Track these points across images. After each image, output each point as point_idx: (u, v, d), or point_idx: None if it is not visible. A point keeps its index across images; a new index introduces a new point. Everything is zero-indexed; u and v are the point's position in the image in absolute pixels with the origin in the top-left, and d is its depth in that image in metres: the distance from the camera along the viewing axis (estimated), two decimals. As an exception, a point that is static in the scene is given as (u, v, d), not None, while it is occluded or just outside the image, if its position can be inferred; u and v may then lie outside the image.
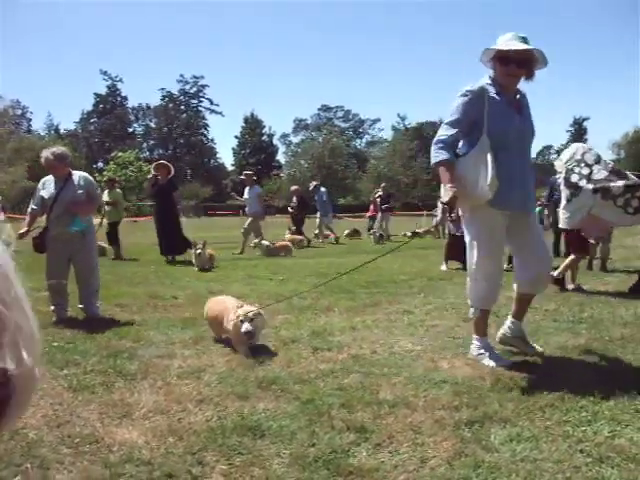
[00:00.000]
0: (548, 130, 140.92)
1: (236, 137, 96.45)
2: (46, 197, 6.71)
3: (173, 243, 13.27)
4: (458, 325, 6.11)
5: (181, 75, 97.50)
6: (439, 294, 8.15)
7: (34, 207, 6.82)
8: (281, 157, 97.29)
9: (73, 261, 6.77)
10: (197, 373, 4.50)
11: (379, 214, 21.84)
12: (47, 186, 6.80)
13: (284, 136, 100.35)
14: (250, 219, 16.36)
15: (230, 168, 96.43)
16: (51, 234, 6.62)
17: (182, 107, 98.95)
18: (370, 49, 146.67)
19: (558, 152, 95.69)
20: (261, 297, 7.92)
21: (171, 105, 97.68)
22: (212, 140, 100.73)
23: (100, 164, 73.50)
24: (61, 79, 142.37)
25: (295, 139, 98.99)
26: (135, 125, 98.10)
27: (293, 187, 22.00)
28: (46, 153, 6.69)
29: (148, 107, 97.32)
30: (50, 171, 6.79)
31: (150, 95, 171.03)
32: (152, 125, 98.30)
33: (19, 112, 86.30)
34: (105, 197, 14.89)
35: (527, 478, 2.81)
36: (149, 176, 14.28)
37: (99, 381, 4.36)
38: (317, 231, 20.56)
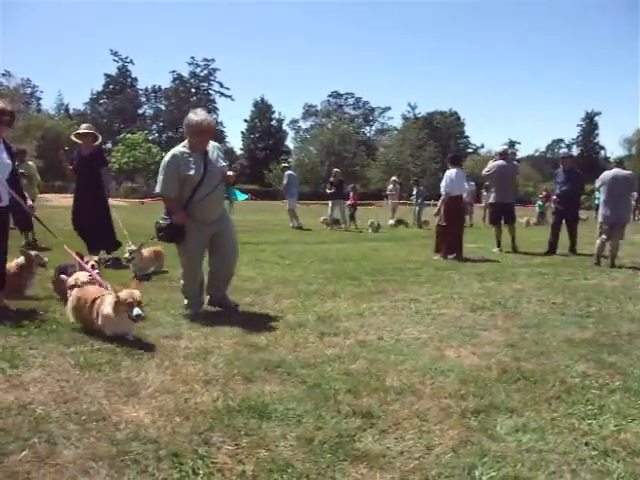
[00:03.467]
0: (558, 124, 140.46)
1: (245, 121, 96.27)
2: (195, 174, 5.78)
3: (102, 237, 9.53)
4: (465, 315, 6.11)
5: (192, 57, 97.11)
6: (446, 283, 8.15)
7: (171, 188, 5.87)
8: (290, 142, 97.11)
9: (217, 243, 6.04)
10: (204, 354, 4.50)
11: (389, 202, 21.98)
12: (184, 164, 5.79)
13: (293, 121, 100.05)
14: None
15: (239, 152, 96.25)
16: (196, 216, 5.86)
17: (192, 90, 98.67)
18: (383, 37, 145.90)
19: (568, 146, 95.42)
20: (268, 281, 7.95)
21: (181, 87, 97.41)
22: (221, 123, 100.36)
23: (109, 145, 73.28)
24: (71, 59, 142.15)
25: (304, 125, 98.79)
26: (145, 107, 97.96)
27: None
28: (206, 117, 5.87)
29: (159, 89, 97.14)
30: (201, 139, 5.82)
31: (161, 77, 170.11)
32: (162, 107, 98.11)
33: (29, 91, 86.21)
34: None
35: (532, 469, 2.81)
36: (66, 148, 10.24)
37: (106, 359, 4.37)
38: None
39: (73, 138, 9.72)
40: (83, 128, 9.82)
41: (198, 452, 2.90)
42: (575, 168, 12.88)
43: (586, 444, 3.10)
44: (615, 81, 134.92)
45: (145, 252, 8.31)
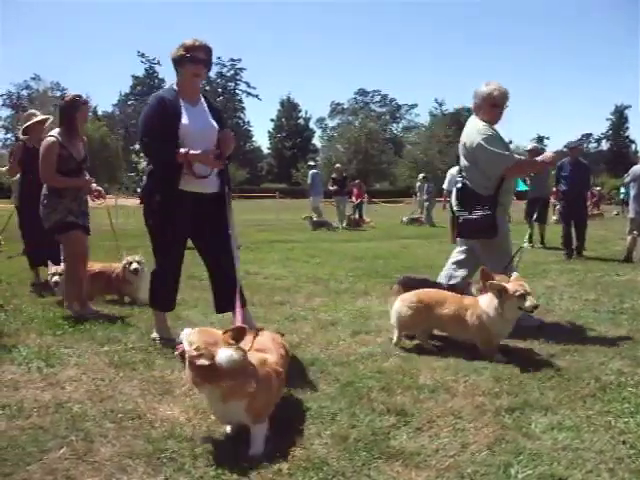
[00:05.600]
0: (588, 118, 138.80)
1: (272, 120, 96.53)
2: None
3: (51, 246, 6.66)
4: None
5: (218, 58, 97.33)
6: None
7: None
8: (317, 141, 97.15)
9: None
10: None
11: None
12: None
13: (320, 120, 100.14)
14: None
15: (266, 151, 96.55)
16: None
17: (219, 90, 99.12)
18: (409, 34, 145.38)
19: (598, 140, 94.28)
20: (299, 279, 7.97)
21: (208, 88, 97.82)
22: (248, 123, 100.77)
23: (137, 146, 74.00)
24: (99, 62, 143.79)
25: (331, 123, 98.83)
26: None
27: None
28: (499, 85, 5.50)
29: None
30: (499, 111, 5.51)
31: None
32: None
33: (58, 94, 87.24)
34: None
35: (569, 467, 2.78)
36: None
37: (139, 358, 4.41)
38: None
39: (21, 136, 7.87)
40: (38, 116, 7.90)
41: (233, 451, 2.92)
42: (580, 159, 12.18)
43: (623, 442, 3.06)
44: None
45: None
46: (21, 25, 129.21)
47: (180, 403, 3.54)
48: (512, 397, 3.62)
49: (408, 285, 5.18)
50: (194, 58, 4.59)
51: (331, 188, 20.35)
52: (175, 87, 4.73)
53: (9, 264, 9.66)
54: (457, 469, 2.76)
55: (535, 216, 12.81)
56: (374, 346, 4.75)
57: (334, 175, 20.74)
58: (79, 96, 6.02)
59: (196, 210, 4.70)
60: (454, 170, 12.67)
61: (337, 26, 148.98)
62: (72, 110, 5.94)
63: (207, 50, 4.68)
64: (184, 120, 4.60)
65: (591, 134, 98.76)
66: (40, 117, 7.84)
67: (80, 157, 6.05)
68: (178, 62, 4.65)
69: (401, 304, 4.78)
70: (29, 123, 7.69)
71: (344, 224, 20.04)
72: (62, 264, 6.29)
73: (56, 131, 5.94)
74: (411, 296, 4.79)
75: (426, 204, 22.13)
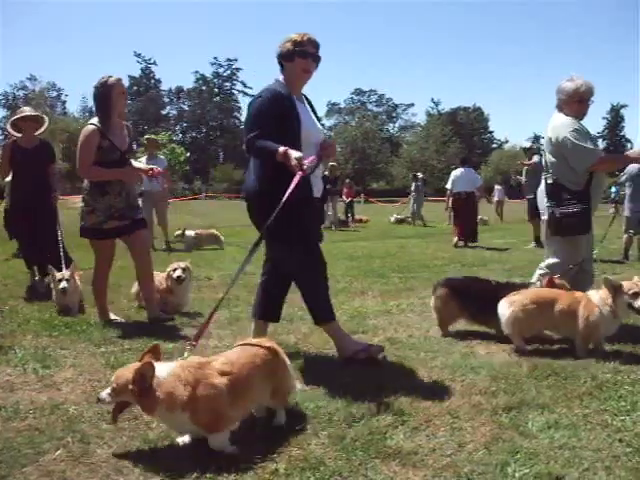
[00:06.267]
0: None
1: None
2: None
3: (49, 250, 6.95)
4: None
5: (215, 58, 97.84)
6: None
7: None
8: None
9: None
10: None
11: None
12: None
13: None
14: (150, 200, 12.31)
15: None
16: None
17: (215, 90, 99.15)
18: (405, 34, 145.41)
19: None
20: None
21: (205, 88, 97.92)
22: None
23: (134, 146, 73.98)
24: (96, 62, 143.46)
25: (328, 123, 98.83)
26: (168, 107, 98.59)
27: None
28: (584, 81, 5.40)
29: (182, 90, 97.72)
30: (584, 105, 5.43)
31: (184, 78, 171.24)
32: (185, 108, 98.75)
33: (54, 94, 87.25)
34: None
35: (566, 466, 2.78)
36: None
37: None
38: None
39: (10, 129, 7.40)
40: (27, 111, 7.51)
41: (230, 451, 2.91)
42: None
43: (620, 441, 3.05)
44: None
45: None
46: (17, 25, 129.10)
47: (177, 404, 3.52)
48: (509, 396, 3.62)
49: (454, 287, 5.22)
50: (304, 52, 4.36)
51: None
52: (282, 82, 4.45)
53: (5, 265, 9.64)
54: (454, 468, 2.75)
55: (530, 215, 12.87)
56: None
57: (327, 173, 19.77)
58: (110, 76, 5.49)
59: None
60: (458, 172, 13.31)
61: (333, 26, 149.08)
62: (106, 93, 5.45)
63: (316, 45, 4.45)
64: (302, 120, 4.33)
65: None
66: (32, 113, 7.42)
67: (124, 146, 5.65)
68: (286, 57, 4.41)
69: (513, 308, 4.63)
70: (18, 116, 7.30)
71: (333, 227, 19.34)
72: (65, 270, 6.22)
73: (95, 120, 5.53)
74: (522, 298, 4.68)
75: (412, 202, 22.04)
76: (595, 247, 5.72)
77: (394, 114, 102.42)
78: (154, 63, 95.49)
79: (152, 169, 5.81)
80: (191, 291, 6.31)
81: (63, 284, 6.06)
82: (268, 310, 4.70)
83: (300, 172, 3.94)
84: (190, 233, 12.77)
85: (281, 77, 4.47)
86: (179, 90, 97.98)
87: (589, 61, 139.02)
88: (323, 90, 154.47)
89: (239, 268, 3.66)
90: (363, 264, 9.87)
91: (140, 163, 6.03)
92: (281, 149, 4.00)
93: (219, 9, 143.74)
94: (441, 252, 11.53)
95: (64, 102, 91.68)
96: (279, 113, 4.20)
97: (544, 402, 3.54)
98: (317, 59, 4.46)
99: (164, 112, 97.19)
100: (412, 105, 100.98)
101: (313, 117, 4.56)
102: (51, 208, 7.35)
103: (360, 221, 21.59)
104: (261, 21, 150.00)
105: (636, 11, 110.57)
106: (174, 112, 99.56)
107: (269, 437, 3.06)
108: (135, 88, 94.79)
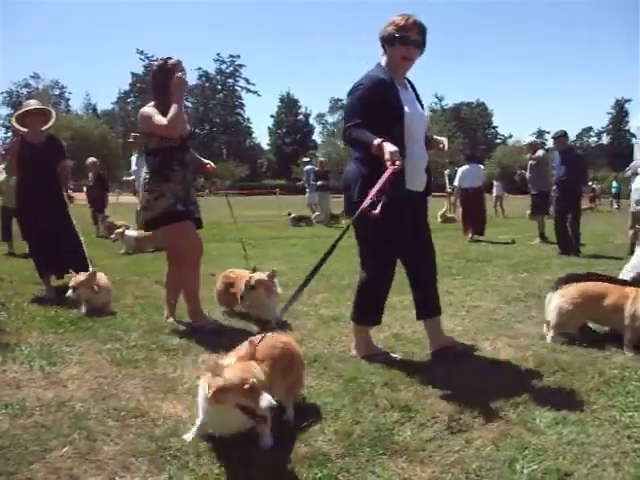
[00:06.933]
0: (588, 112, 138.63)
1: (272, 116, 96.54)
2: None
3: (68, 253, 6.75)
4: (499, 307, 6.06)
5: (218, 54, 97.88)
6: (478, 275, 8.09)
7: None
8: (317, 137, 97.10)
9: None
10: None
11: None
12: None
13: (320, 116, 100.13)
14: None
15: (266, 148, 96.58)
16: None
17: (218, 87, 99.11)
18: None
19: (598, 135, 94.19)
20: (300, 275, 7.94)
21: (208, 84, 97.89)
22: (248, 120, 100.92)
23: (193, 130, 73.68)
24: (98, 59, 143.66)
25: (331, 119, 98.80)
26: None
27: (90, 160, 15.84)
28: None
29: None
30: None
31: (187, 75, 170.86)
32: (188, 105, 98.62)
33: (57, 92, 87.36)
34: (3, 176, 10.33)
35: (574, 462, 2.77)
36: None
37: (142, 356, 4.40)
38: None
39: (15, 124, 6.89)
40: (32, 104, 7.03)
41: (238, 447, 2.90)
42: (574, 149, 11.68)
43: (628, 437, 3.04)
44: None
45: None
46: (20, 23, 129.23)
47: (183, 401, 3.52)
48: (516, 392, 3.60)
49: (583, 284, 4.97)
50: (405, 39, 4.04)
51: (314, 183, 19.23)
52: (385, 67, 4.16)
53: (11, 262, 9.66)
54: (462, 464, 2.74)
55: (534, 210, 12.84)
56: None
57: (317, 169, 19.76)
58: (169, 58, 5.16)
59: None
60: (465, 168, 13.62)
61: (336, 22, 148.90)
62: (163, 77, 5.07)
63: (421, 29, 4.10)
64: (406, 107, 4.06)
65: (591, 128, 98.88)
66: (37, 106, 6.94)
67: (185, 132, 5.21)
68: (387, 41, 4.11)
69: (562, 300, 4.73)
70: (22, 111, 6.85)
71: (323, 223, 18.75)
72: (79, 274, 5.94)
73: (151, 104, 5.12)
74: (572, 291, 4.75)
75: None
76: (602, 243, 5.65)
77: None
78: (157, 60, 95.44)
79: (209, 164, 5.54)
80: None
81: (68, 293, 5.84)
82: (369, 313, 4.50)
83: (393, 167, 3.71)
84: (131, 234, 11.45)
85: (383, 61, 4.20)
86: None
87: (594, 55, 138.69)
88: (326, 86, 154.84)
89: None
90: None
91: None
92: (376, 141, 3.78)
93: (222, 6, 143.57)
94: (446, 248, 11.46)
95: (68, 100, 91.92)
96: (380, 101, 3.97)
97: (551, 398, 3.53)
98: (421, 46, 4.15)
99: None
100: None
101: (417, 104, 4.27)
102: (63, 208, 6.98)
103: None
104: (264, 17, 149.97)
105: (636, 11, 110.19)
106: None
107: (276, 433, 3.05)
108: (138, 85, 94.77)
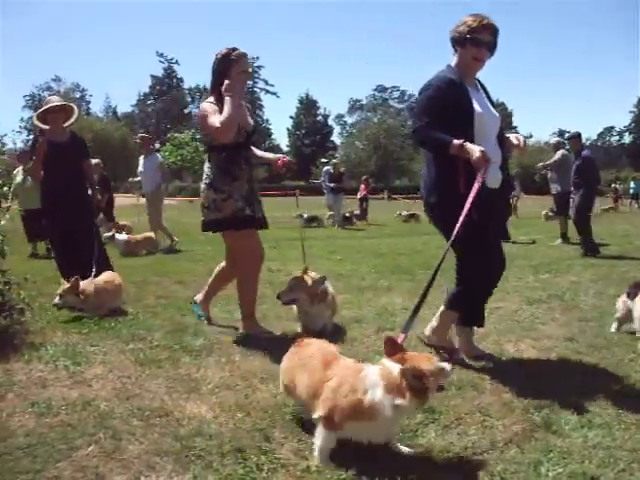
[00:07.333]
0: (610, 110, 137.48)
1: (291, 117, 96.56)
2: None
3: (90, 255, 6.34)
4: (522, 308, 6.02)
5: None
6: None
7: None
8: (336, 138, 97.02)
9: None
10: (261, 351, 4.52)
11: None
12: None
13: (339, 117, 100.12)
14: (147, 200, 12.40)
15: (285, 149, 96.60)
16: None
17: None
18: (427, 30, 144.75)
19: (620, 133, 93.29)
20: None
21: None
22: (267, 121, 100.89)
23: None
24: (119, 62, 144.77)
25: (350, 120, 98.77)
26: (191, 106, 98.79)
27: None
28: None
29: (204, 88, 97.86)
30: None
31: (206, 77, 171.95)
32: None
33: (78, 95, 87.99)
34: (20, 177, 10.96)
35: (600, 466, 2.74)
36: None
37: (165, 356, 4.43)
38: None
39: (36, 121, 6.81)
40: (54, 101, 6.87)
41: (261, 448, 2.91)
42: (586, 150, 11.54)
43: (656, 440, 3.01)
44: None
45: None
46: (42, 27, 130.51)
47: (207, 401, 3.54)
48: (540, 394, 3.57)
49: None
50: (477, 41, 4.01)
51: (329, 185, 18.91)
52: (455, 68, 4.15)
53: (33, 264, 9.75)
54: (486, 467, 2.73)
55: (556, 211, 12.72)
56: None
57: (331, 170, 19.25)
58: (234, 49, 4.85)
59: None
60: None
61: (354, 23, 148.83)
62: (225, 67, 4.82)
63: (493, 31, 4.07)
64: (476, 107, 4.03)
65: (613, 127, 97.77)
66: (58, 103, 6.75)
67: (248, 127, 5.03)
68: (458, 41, 4.10)
69: None
70: (43, 108, 6.68)
71: (336, 226, 18.67)
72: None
73: (211, 99, 4.89)
74: None
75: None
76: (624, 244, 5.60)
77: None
78: (176, 62, 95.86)
79: (280, 158, 5.28)
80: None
81: (55, 300, 5.75)
82: (471, 315, 4.46)
83: (485, 164, 3.74)
84: (121, 238, 11.39)
85: (453, 62, 4.19)
86: (201, 89, 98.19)
87: (615, 54, 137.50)
88: (345, 87, 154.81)
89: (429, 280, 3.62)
90: (388, 261, 9.84)
91: (260, 152, 5.43)
92: (456, 142, 3.78)
93: (240, 7, 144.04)
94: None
95: (88, 102, 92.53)
96: (451, 101, 3.95)
97: (576, 401, 3.49)
98: (492, 47, 4.11)
99: (187, 111, 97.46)
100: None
101: (489, 104, 4.23)
102: (88, 208, 6.89)
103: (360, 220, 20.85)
104: (283, 18, 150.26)
105: (636, 11, 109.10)
106: (196, 111, 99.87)
107: (299, 434, 3.06)
108: (158, 87, 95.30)
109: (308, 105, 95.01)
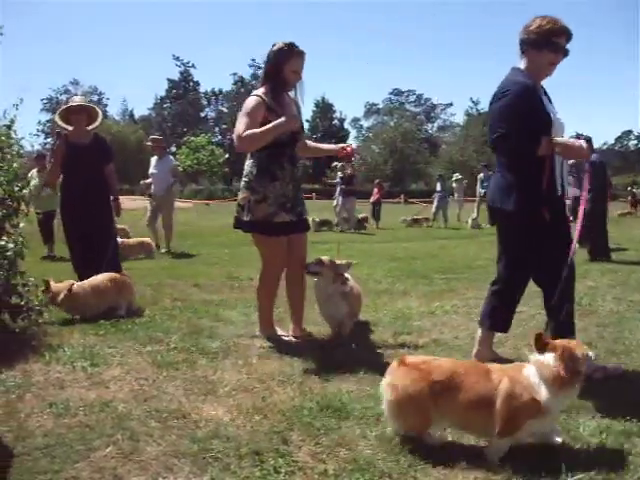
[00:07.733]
0: (628, 114, 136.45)
1: (307, 121, 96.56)
2: None
3: (98, 256, 6.42)
4: (539, 312, 5.94)
5: (252, 60, 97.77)
6: None
7: None
8: (352, 141, 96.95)
9: None
10: (278, 353, 4.52)
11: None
12: None
13: (355, 120, 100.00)
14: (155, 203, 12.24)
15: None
16: None
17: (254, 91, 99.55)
18: (443, 34, 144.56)
19: (638, 138, 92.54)
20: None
21: (243, 90, 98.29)
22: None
23: (173, 148, 74.63)
24: (135, 65, 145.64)
25: (366, 123, 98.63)
26: (207, 110, 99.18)
27: None
28: None
29: (220, 92, 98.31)
30: None
31: (222, 80, 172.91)
32: (224, 110, 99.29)
33: (95, 98, 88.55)
34: (35, 180, 10.88)
35: (620, 472, 2.71)
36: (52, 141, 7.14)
37: (182, 358, 4.44)
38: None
39: (59, 121, 6.69)
40: (77, 101, 6.92)
41: (279, 450, 2.91)
42: (595, 155, 11.36)
43: (676, 447, 2.98)
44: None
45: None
46: (60, 30, 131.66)
47: (224, 403, 3.55)
48: (559, 399, 3.55)
49: None
50: (556, 46, 3.87)
51: (340, 187, 18.77)
52: (526, 72, 3.97)
53: (47, 266, 9.81)
54: (504, 472, 2.71)
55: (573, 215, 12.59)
56: (417, 347, 4.70)
57: (341, 173, 19.11)
58: (290, 44, 4.64)
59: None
60: (482, 175, 13.77)
61: (370, 26, 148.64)
62: (279, 61, 4.66)
63: (569, 36, 3.94)
64: (550, 112, 3.93)
65: (631, 131, 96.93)
66: (81, 103, 6.71)
67: (296, 127, 4.81)
68: (533, 44, 3.90)
69: None
70: (65, 107, 6.66)
71: (351, 229, 18.72)
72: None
73: (261, 90, 4.76)
74: None
75: (436, 203, 21.72)
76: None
77: (432, 114, 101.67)
78: (193, 66, 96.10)
79: (344, 147, 5.10)
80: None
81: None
82: (498, 320, 4.37)
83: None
84: None
85: (522, 65, 4.01)
86: (217, 92, 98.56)
87: (632, 56, 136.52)
88: (361, 90, 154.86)
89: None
90: (404, 265, 9.82)
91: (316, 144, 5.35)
92: (544, 140, 3.72)
93: (255, 10, 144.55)
94: (484, 253, 11.34)
95: (105, 105, 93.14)
96: (529, 108, 3.80)
97: (595, 407, 3.47)
98: (566, 53, 3.96)
99: (203, 114, 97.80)
100: (451, 105, 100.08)
101: (556, 110, 4.07)
102: (107, 213, 6.78)
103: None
104: (298, 21, 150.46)
105: (636, 11, 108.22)
106: (213, 114, 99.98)
107: (316, 437, 3.05)
108: (174, 91, 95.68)
109: (324, 109, 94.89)
